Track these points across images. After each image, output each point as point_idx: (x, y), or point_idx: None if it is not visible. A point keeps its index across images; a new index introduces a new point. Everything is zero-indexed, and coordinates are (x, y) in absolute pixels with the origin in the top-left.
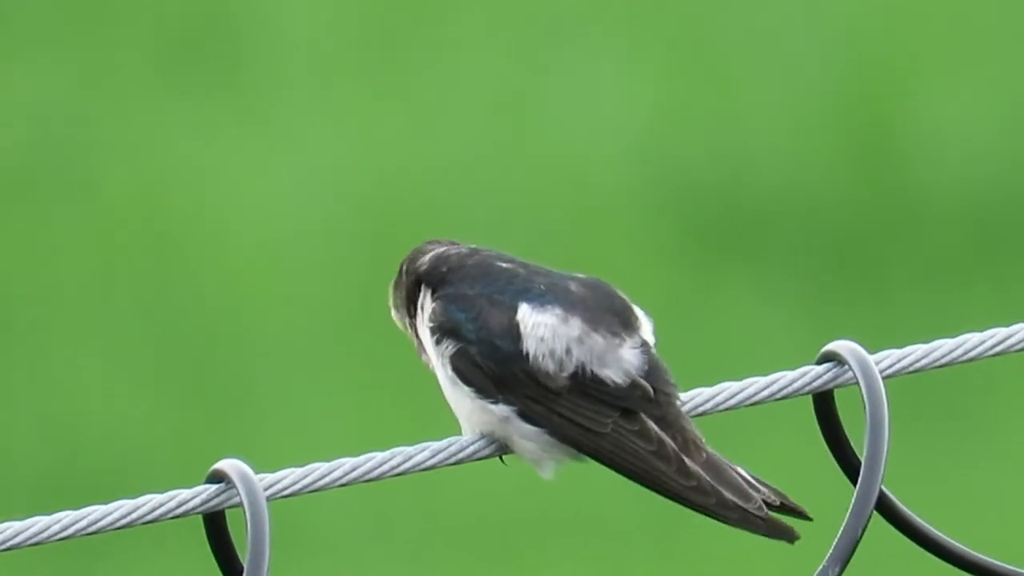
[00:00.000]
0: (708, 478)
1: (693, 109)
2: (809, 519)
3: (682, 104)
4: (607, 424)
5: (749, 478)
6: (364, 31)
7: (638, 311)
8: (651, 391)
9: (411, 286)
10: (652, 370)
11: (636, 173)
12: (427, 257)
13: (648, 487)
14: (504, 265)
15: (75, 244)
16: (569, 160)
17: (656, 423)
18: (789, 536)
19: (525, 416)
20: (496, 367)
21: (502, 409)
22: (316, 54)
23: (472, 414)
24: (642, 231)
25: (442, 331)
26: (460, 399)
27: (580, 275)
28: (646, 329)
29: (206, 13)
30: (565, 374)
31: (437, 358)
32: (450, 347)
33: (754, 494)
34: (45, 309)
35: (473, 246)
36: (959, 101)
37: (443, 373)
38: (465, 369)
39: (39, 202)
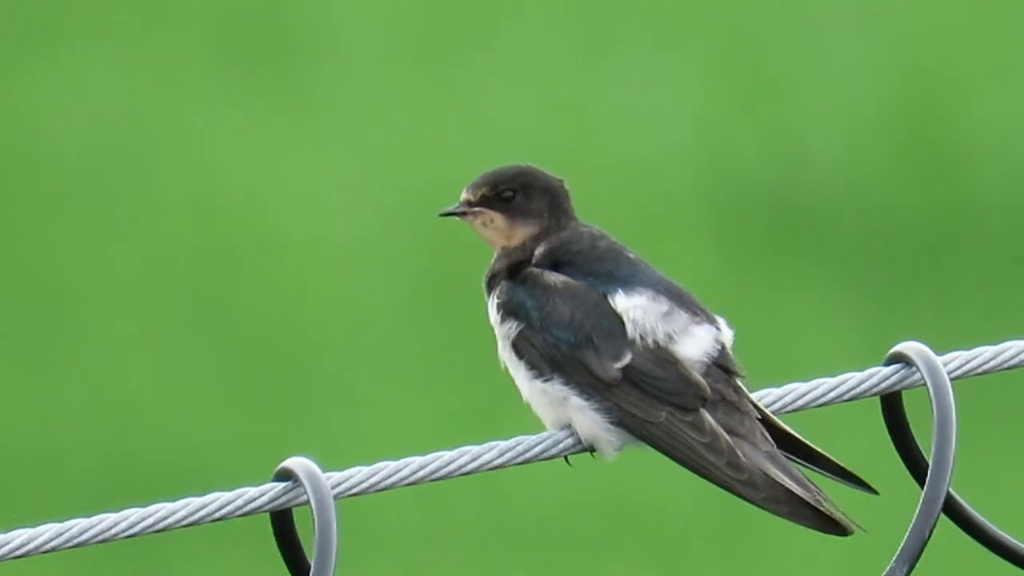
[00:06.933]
0: (764, 471)
1: (749, 111)
2: (876, 492)
3: (738, 106)
4: (660, 415)
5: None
6: (420, 34)
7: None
8: (707, 391)
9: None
10: (722, 357)
11: (693, 174)
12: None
13: (700, 476)
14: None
15: (132, 242)
16: (625, 161)
17: (722, 409)
18: (842, 531)
19: (582, 396)
20: (554, 351)
21: (558, 389)
22: (372, 57)
23: (532, 396)
24: (702, 232)
25: (506, 310)
26: (520, 378)
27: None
28: (723, 325)
29: (262, 15)
30: (628, 359)
31: (500, 336)
32: (513, 327)
33: (812, 486)
34: (102, 305)
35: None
36: (1013, 101)
37: (503, 347)
38: (522, 347)
39: (97, 200)
